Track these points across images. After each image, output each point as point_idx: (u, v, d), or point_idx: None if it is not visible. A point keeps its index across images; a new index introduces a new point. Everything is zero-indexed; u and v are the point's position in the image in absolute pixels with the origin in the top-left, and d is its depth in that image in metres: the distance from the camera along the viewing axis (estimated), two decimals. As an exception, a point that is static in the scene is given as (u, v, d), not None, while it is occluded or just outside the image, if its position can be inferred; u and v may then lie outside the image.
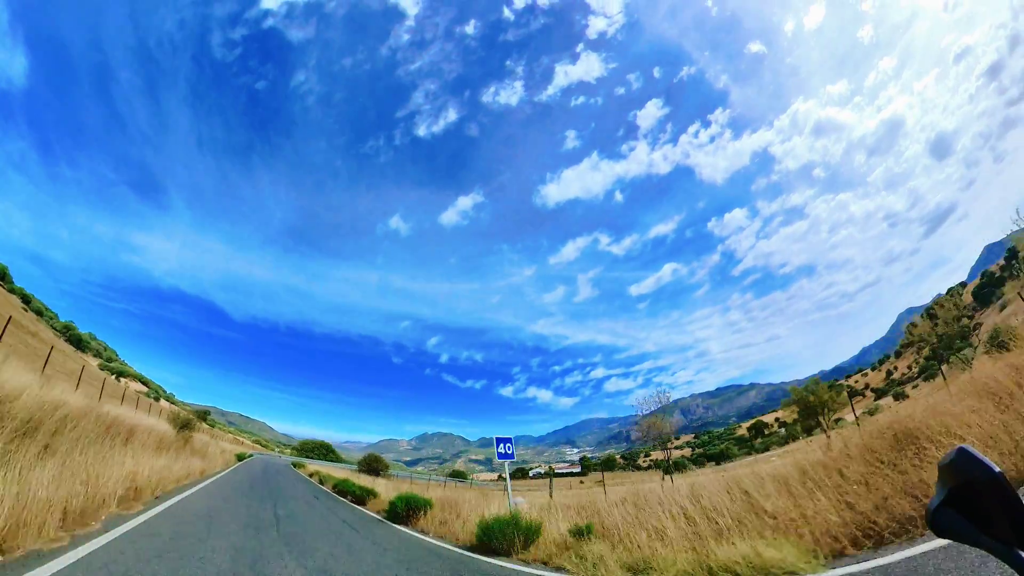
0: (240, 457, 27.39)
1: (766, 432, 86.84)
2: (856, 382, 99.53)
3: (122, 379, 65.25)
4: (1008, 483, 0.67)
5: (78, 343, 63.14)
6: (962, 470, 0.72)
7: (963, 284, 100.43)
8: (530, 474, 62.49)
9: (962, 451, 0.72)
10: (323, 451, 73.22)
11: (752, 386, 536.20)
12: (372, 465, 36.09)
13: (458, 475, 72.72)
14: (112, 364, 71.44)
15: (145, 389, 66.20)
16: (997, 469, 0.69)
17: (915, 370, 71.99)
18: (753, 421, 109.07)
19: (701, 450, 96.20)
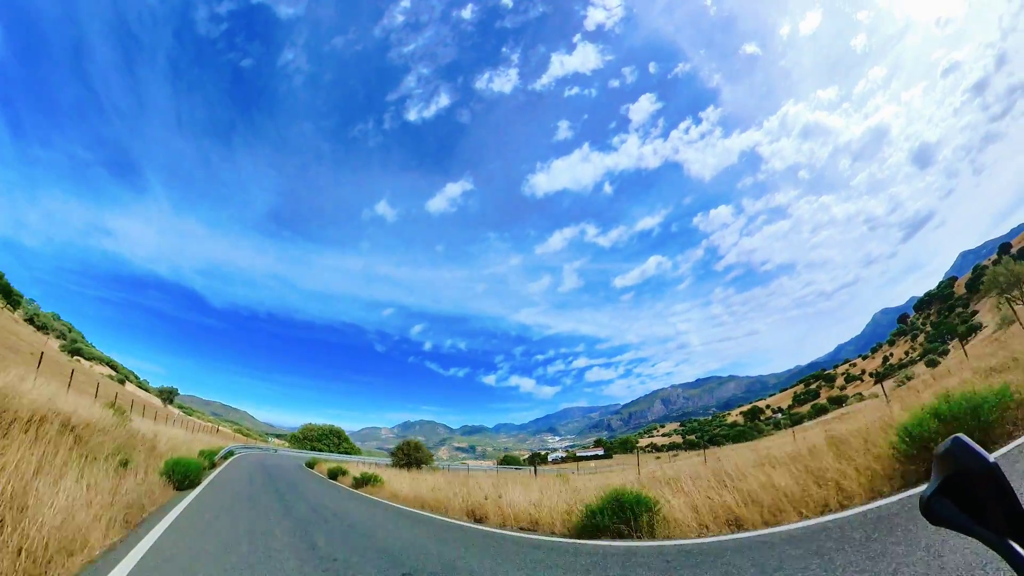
0: (186, 469, 9.90)
1: (761, 417, 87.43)
2: (846, 370, 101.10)
3: (87, 362, 60.25)
4: (1002, 474, 0.68)
5: (7, 295, 54.45)
6: (957, 460, 0.72)
7: (954, 278, 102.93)
8: (549, 459, 59.08)
9: (958, 440, 0.73)
10: (334, 439, 55.69)
11: (731, 378, 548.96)
12: (412, 455, 27.24)
13: (510, 461, 60.17)
14: (76, 346, 66.29)
15: (111, 372, 61.10)
16: (992, 460, 0.69)
17: (914, 355, 73.71)
18: (749, 407, 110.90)
19: (693, 436, 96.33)
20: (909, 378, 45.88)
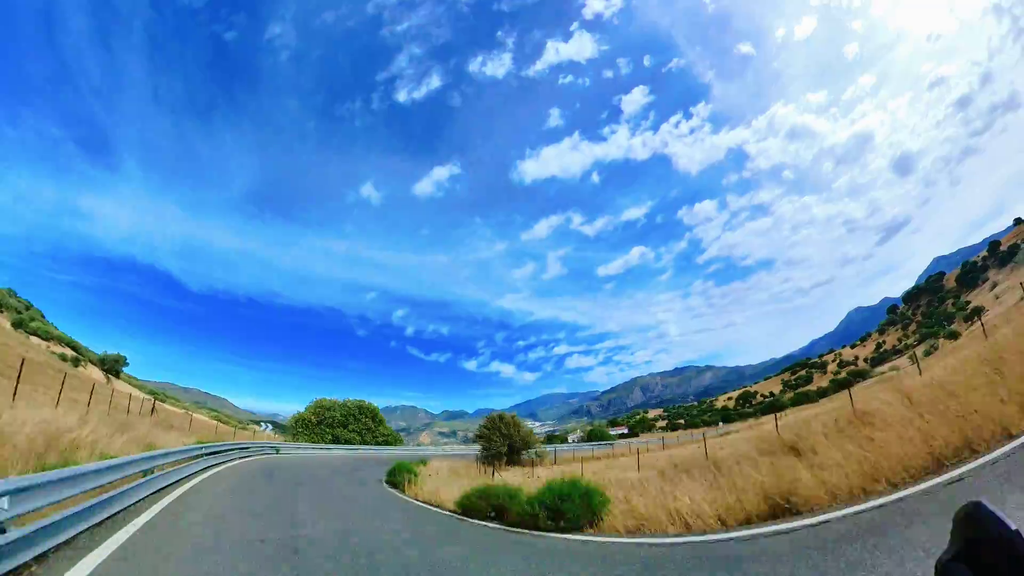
0: None
1: (753, 402, 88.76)
2: (835, 358, 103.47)
3: (44, 341, 54.97)
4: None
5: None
6: (977, 525, 0.69)
7: (943, 273, 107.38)
8: (569, 439, 56.32)
9: (978, 505, 0.69)
10: (368, 422, 38.88)
11: (709, 367, 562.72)
12: (513, 437, 18.66)
13: (598, 436, 48.54)
14: (34, 324, 60.75)
15: (65, 352, 55.73)
16: (1013, 526, 0.65)
17: (908, 342, 76.70)
18: (740, 391, 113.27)
19: (681, 420, 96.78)
20: (936, 347, 49.57)
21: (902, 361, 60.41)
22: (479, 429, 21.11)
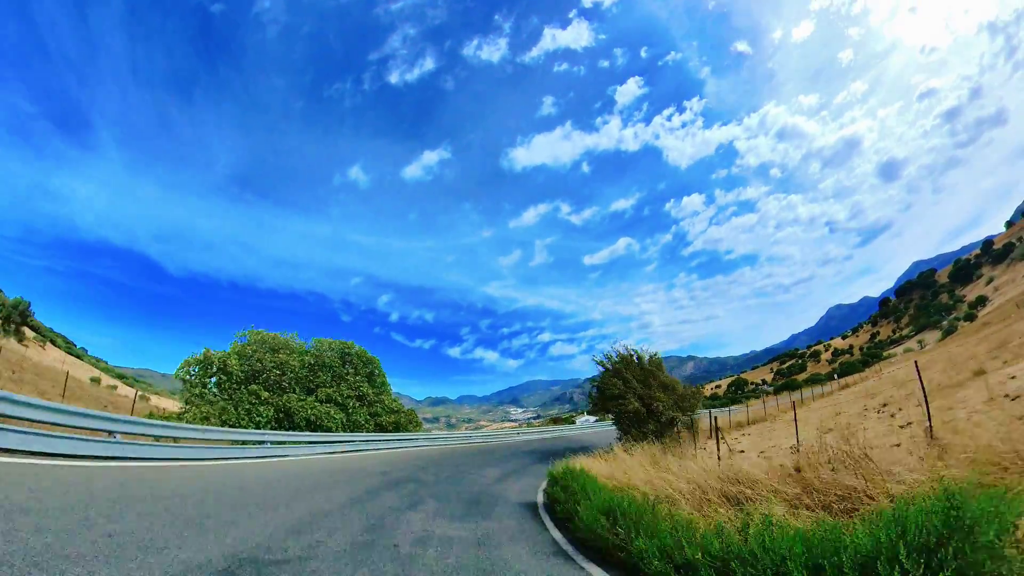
0: None
1: (745, 389, 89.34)
2: (827, 348, 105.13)
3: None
4: None
5: None
6: None
7: (934, 270, 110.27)
8: (577, 421, 53.66)
9: None
10: (360, 380, 19.87)
11: (690, 358, 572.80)
12: (683, 401, 12.07)
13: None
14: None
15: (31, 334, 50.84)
16: None
17: (904, 332, 78.81)
18: (734, 378, 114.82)
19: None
20: (955, 328, 51.07)
21: (912, 344, 61.80)
22: (604, 383, 12.02)
